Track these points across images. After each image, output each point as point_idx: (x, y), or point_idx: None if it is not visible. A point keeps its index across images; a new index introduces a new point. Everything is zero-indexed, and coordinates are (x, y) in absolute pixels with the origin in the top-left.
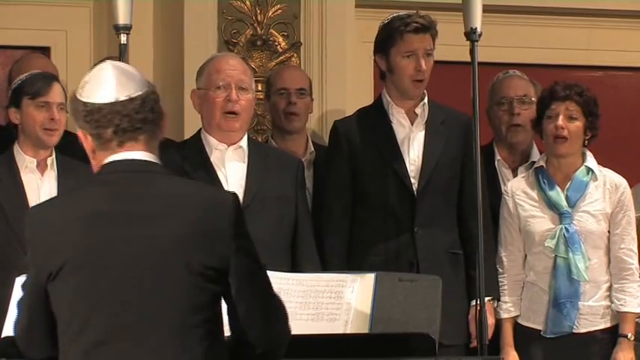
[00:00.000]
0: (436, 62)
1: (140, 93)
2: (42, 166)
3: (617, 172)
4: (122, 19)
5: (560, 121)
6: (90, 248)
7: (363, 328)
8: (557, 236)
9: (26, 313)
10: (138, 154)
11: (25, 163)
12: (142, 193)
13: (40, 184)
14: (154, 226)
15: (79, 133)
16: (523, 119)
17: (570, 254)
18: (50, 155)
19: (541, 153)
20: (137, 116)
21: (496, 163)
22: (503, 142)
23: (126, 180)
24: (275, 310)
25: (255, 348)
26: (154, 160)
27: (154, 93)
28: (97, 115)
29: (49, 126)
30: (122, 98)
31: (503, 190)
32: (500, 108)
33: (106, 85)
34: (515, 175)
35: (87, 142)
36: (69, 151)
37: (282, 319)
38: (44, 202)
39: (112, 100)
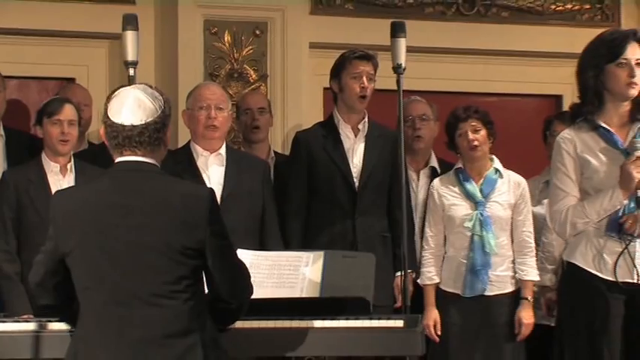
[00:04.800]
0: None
1: (141, 123)
2: (63, 170)
3: None
4: (130, 56)
5: (470, 135)
6: (96, 231)
7: (314, 294)
8: (474, 219)
9: (42, 272)
10: (138, 157)
11: (51, 167)
12: (139, 189)
13: (61, 184)
14: (146, 216)
15: (101, 131)
16: (423, 132)
17: (484, 233)
18: (69, 161)
19: (438, 159)
20: (135, 139)
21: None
22: (409, 150)
23: (127, 177)
24: (240, 274)
25: (226, 302)
26: (150, 162)
27: (156, 123)
28: (108, 128)
29: (61, 138)
30: (126, 123)
31: (430, 186)
32: (406, 125)
33: (122, 108)
34: (418, 176)
35: (105, 140)
36: (90, 159)
37: (245, 280)
38: (66, 188)
39: (119, 122)
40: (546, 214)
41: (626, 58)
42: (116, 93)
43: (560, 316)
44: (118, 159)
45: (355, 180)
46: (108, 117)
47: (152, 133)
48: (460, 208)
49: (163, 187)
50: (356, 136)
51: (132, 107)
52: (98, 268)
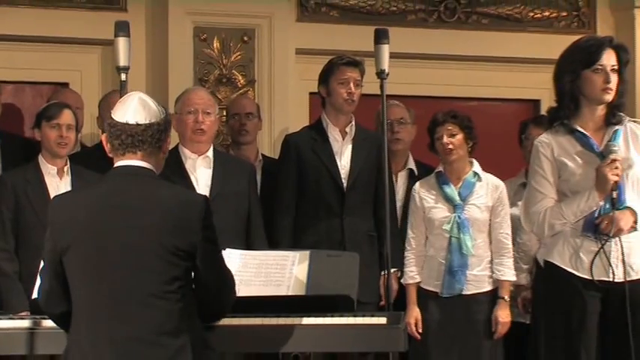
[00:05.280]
0: None
1: (146, 122)
2: (60, 173)
3: None
4: (122, 61)
5: (445, 139)
6: (94, 232)
7: (300, 291)
8: (452, 222)
9: (47, 279)
10: (137, 162)
11: (48, 170)
12: (136, 192)
13: (58, 186)
14: (142, 218)
15: (103, 137)
16: (401, 135)
17: (461, 235)
18: (66, 164)
19: (416, 161)
20: (138, 137)
21: None
22: (388, 152)
23: (125, 181)
24: (225, 279)
25: (209, 305)
26: (148, 167)
27: (159, 125)
28: (113, 128)
29: (60, 141)
30: (131, 122)
31: (412, 189)
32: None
33: (127, 109)
34: (396, 178)
35: (106, 144)
36: (83, 161)
37: (229, 285)
38: (65, 192)
39: (124, 121)
40: (520, 215)
41: (601, 65)
42: (121, 100)
43: (536, 313)
44: (118, 163)
45: (343, 181)
46: (112, 118)
47: (155, 134)
48: (439, 210)
49: (160, 192)
50: (343, 138)
51: (136, 107)
52: (95, 267)
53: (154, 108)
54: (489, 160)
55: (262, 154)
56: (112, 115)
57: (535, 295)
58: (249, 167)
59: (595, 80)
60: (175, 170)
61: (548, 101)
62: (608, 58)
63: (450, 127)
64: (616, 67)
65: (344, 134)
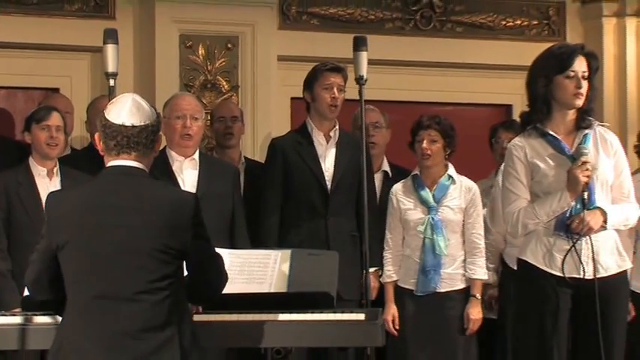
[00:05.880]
0: None
1: (141, 124)
2: (50, 174)
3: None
4: (111, 67)
5: (425, 144)
6: (87, 230)
7: (282, 289)
8: (425, 223)
9: (36, 269)
10: (130, 162)
11: (38, 171)
12: (129, 191)
13: (48, 187)
14: (135, 217)
15: (96, 136)
16: (376, 139)
17: (435, 236)
18: (55, 166)
19: (390, 163)
20: (134, 139)
21: None
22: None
23: (118, 181)
24: (215, 268)
25: (200, 292)
26: (141, 167)
27: (153, 126)
28: (108, 130)
29: (50, 142)
30: (127, 124)
31: (390, 191)
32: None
33: (121, 110)
34: None
35: (99, 144)
36: (72, 163)
37: (219, 274)
38: (60, 190)
39: (120, 122)
40: (487, 217)
41: (573, 71)
42: (113, 101)
43: (506, 311)
44: (111, 163)
45: (327, 183)
46: (107, 119)
47: (149, 135)
48: (414, 212)
49: (152, 191)
50: (327, 142)
51: (131, 109)
52: (87, 264)
53: (147, 109)
54: (463, 163)
55: (245, 157)
56: (107, 116)
57: (504, 293)
58: (233, 169)
59: (567, 85)
60: (163, 171)
61: (520, 106)
62: (580, 65)
63: (432, 133)
64: (586, 74)
65: (328, 138)
